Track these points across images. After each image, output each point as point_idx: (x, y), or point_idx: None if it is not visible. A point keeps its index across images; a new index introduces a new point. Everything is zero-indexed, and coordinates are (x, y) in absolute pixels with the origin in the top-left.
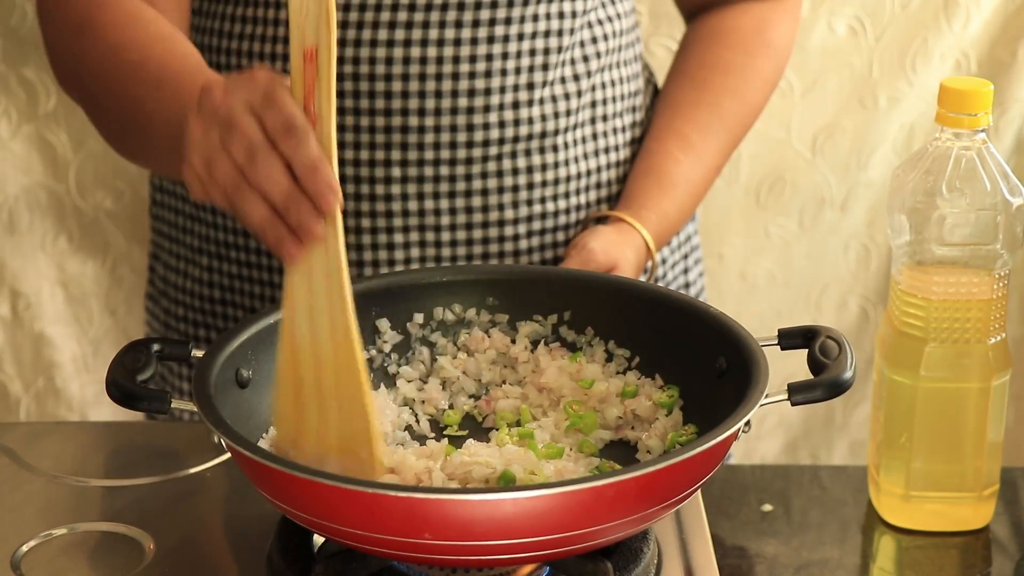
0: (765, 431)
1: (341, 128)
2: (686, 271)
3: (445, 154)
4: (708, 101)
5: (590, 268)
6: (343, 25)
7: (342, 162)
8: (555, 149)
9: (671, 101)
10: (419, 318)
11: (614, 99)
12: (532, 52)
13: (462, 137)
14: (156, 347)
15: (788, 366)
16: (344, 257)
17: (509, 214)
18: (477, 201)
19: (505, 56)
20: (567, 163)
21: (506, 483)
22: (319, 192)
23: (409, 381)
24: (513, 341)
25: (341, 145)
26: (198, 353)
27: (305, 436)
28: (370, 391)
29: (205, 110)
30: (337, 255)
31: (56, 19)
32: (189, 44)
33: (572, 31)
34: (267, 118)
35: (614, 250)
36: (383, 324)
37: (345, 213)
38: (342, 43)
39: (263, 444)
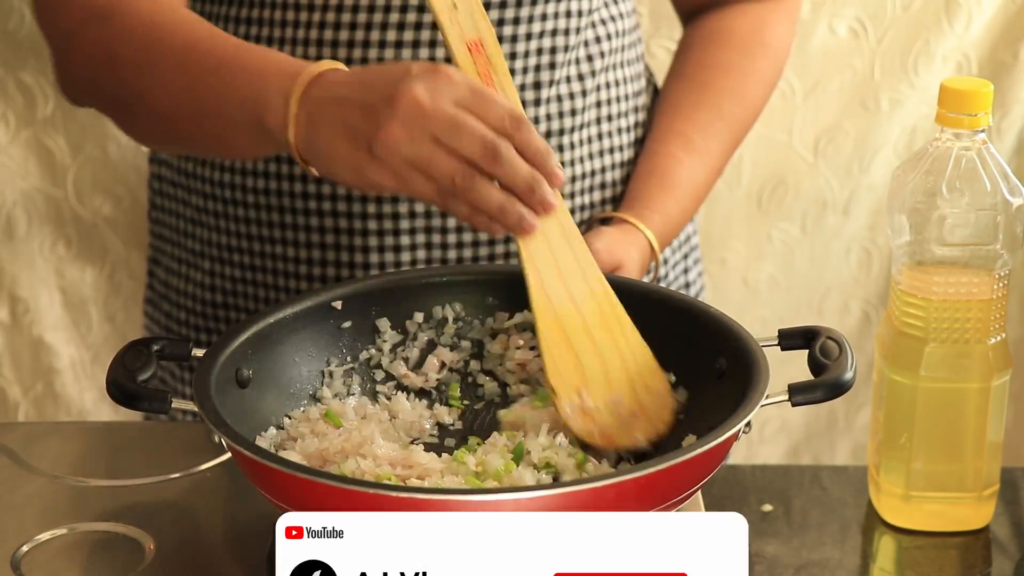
0: (767, 436)
1: None
2: (686, 271)
3: None
4: (709, 102)
5: None
6: (351, 27)
7: None
8: (560, 149)
9: (672, 102)
10: (419, 317)
11: (618, 99)
12: (539, 51)
13: None
14: (156, 347)
15: (789, 370)
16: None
17: None
18: None
19: (512, 56)
20: (572, 163)
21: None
22: (553, 172)
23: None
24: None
25: None
26: (198, 353)
27: (593, 383)
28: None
29: (407, 114)
30: (569, 219)
31: (74, 9)
32: (221, 29)
33: (578, 30)
34: (489, 114)
35: (618, 250)
36: (383, 324)
37: (351, 214)
38: (349, 45)
39: (263, 444)
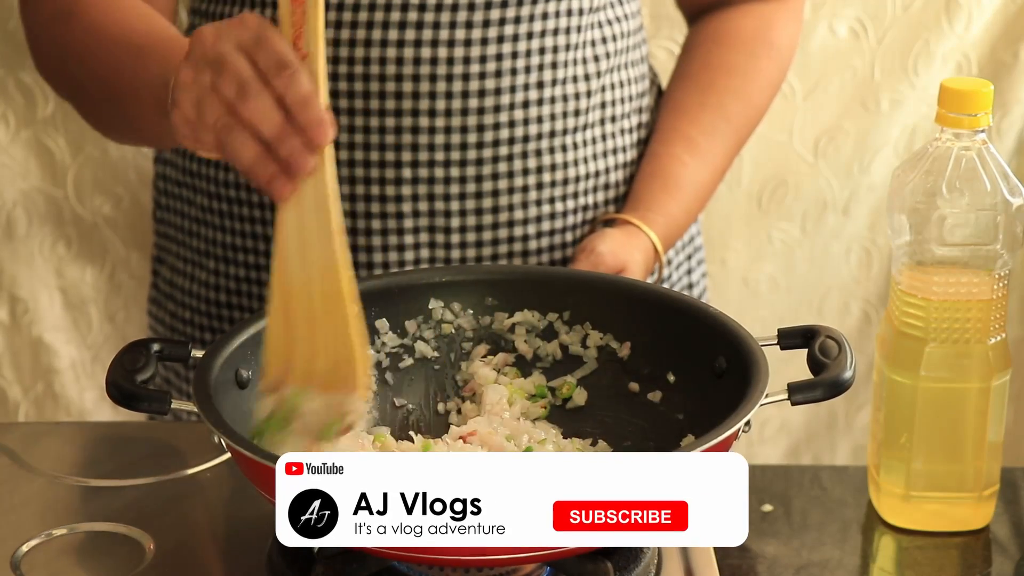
0: (767, 436)
1: (351, 129)
2: (689, 272)
3: (455, 155)
4: (713, 103)
5: (599, 271)
6: (352, 25)
7: (351, 163)
8: (564, 149)
9: (676, 103)
10: (419, 318)
11: (623, 100)
12: (541, 51)
13: (472, 137)
14: (156, 347)
15: (789, 370)
16: (334, 190)
17: (518, 214)
18: (487, 202)
19: (515, 55)
20: (576, 163)
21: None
22: (311, 125)
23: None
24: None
25: (351, 146)
26: (197, 354)
27: (293, 369)
28: (357, 320)
29: (195, 54)
30: (325, 187)
31: (41, 8)
32: (168, 22)
33: (580, 29)
34: (258, 57)
35: (622, 252)
36: (382, 324)
37: (355, 214)
38: (351, 44)
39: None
